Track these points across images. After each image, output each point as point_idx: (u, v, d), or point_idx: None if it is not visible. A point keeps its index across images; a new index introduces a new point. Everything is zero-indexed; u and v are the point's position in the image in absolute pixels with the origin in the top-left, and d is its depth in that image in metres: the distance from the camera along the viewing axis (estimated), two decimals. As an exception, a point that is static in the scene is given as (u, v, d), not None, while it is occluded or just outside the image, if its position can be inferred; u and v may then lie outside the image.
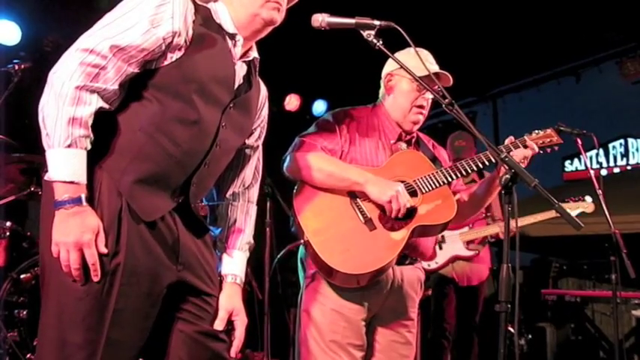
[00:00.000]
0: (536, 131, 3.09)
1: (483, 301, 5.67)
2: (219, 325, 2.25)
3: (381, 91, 3.25)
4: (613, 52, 7.87)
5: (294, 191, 3.01)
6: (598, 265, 7.65)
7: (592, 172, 4.15)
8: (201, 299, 2.22)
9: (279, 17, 2.28)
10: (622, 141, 10.41)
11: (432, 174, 2.96)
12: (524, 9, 6.83)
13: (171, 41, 2.05)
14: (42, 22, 6.61)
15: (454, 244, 5.28)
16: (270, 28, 2.32)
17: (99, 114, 1.97)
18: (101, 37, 1.97)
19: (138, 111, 2.05)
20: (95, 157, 1.97)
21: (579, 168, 10.78)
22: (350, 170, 2.94)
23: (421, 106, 3.11)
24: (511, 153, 2.93)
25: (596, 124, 9.86)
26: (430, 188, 2.94)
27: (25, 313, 4.15)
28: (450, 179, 2.96)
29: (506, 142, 3.04)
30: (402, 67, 2.43)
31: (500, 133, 9.57)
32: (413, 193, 2.93)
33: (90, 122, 1.94)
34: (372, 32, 2.37)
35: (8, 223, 4.43)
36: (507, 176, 2.13)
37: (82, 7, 6.55)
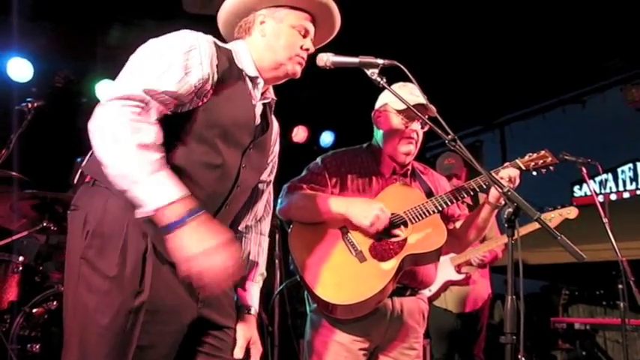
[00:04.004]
0: (529, 154, 3.13)
1: (486, 330, 5.50)
2: (238, 353, 2.32)
3: (374, 128, 3.33)
4: (617, 78, 7.91)
5: (289, 230, 3.07)
6: (609, 292, 7.61)
7: (599, 198, 4.16)
8: (220, 331, 2.27)
9: (300, 71, 2.39)
10: (631, 165, 10.40)
11: (423, 204, 3.00)
12: (529, 38, 6.90)
13: (201, 87, 2.09)
14: (53, 59, 6.73)
15: (445, 269, 5.21)
16: (288, 78, 2.41)
17: None
18: (136, 84, 1.96)
19: (166, 153, 2.04)
20: (122, 201, 1.97)
21: (588, 193, 10.75)
22: (332, 200, 2.99)
23: (410, 137, 3.16)
24: (499, 174, 2.99)
25: (604, 150, 9.89)
26: (420, 218, 2.98)
27: (37, 347, 4.16)
28: (440, 208, 3.00)
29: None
30: (403, 102, 2.47)
31: (509, 161, 9.57)
32: (404, 225, 2.99)
33: (158, 143, 1.93)
34: (376, 70, 2.41)
35: (21, 258, 4.46)
36: (510, 210, 2.16)
37: (91, 44, 6.68)
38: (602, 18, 6.49)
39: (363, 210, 2.91)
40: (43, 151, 6.19)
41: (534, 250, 7.57)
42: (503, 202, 2.96)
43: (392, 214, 2.97)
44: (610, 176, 10.43)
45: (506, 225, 2.18)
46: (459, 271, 5.23)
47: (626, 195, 10.34)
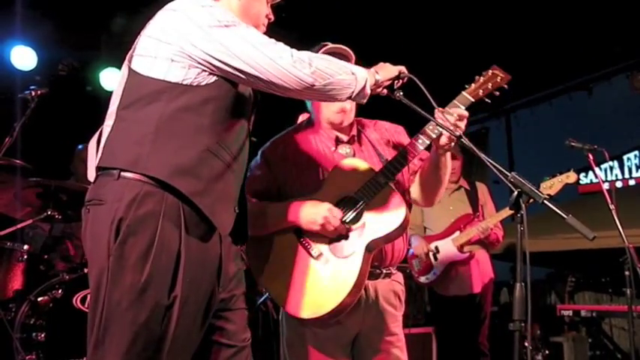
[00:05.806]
0: (477, 77, 2.86)
1: (490, 317, 5.44)
2: None
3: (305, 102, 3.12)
4: (624, 65, 7.87)
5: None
6: (615, 279, 7.60)
7: (606, 185, 4.14)
8: (232, 312, 2.29)
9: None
10: (636, 152, 10.32)
11: (373, 178, 2.74)
12: (535, 25, 6.86)
13: None
14: (57, 47, 6.72)
15: (448, 250, 5.25)
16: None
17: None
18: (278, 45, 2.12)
19: (199, 130, 2.07)
20: (157, 191, 1.99)
21: (594, 181, 10.68)
22: (277, 211, 2.83)
23: None
24: (447, 115, 2.66)
25: (610, 137, 9.84)
26: (373, 194, 2.73)
27: (42, 335, 4.15)
28: (392, 177, 2.75)
29: (436, 113, 2.65)
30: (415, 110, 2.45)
31: (514, 149, 9.59)
32: (359, 207, 2.75)
33: None
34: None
35: (26, 247, 4.46)
36: (514, 194, 2.13)
37: (95, 31, 6.67)
38: (608, 4, 6.45)
39: (310, 215, 2.72)
40: (46, 139, 6.19)
41: (540, 237, 7.54)
42: (452, 144, 2.73)
43: (342, 199, 2.77)
44: (615, 163, 10.36)
45: (513, 211, 2.15)
46: (461, 251, 5.23)
47: (631, 182, 10.28)
